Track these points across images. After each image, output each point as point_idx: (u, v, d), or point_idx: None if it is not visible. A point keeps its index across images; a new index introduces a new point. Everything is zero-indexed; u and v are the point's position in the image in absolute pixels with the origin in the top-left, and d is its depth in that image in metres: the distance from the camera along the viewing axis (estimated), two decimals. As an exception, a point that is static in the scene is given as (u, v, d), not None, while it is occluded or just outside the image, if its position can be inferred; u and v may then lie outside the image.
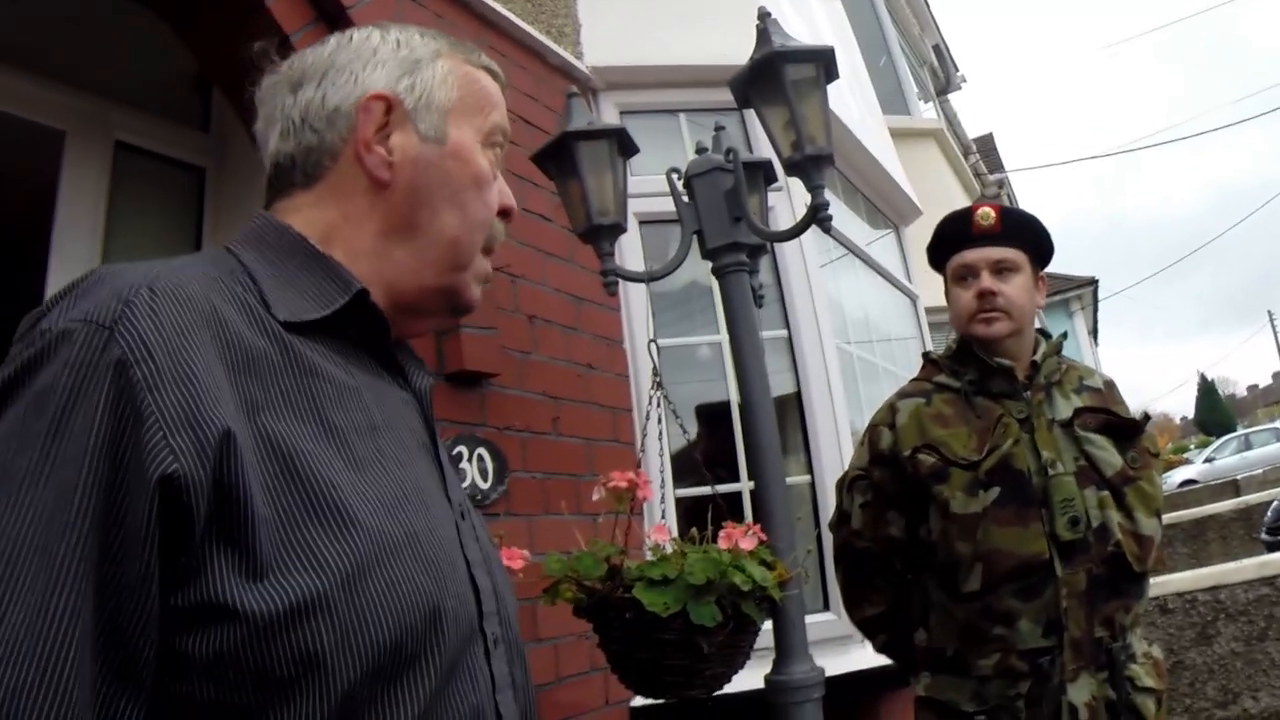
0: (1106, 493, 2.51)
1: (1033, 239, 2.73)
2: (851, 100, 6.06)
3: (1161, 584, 5.84)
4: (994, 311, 2.63)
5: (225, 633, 0.87)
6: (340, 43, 1.27)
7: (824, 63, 2.79)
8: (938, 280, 2.88)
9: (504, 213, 1.29)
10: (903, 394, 2.80)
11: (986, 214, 2.69)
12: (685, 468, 4.30)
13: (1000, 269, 2.66)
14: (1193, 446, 45.58)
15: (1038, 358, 2.67)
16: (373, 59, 1.24)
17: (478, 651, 1.10)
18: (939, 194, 9.52)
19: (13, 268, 4.93)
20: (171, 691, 0.88)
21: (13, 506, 0.83)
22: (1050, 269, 2.92)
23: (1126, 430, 2.63)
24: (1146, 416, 2.73)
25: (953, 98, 16.84)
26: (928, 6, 14.05)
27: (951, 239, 2.75)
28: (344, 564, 0.93)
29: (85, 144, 3.66)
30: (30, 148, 3.68)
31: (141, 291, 0.92)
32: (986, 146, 20.93)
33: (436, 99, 1.24)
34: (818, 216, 2.76)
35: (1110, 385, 2.76)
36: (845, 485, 2.84)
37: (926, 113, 12.68)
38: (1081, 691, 2.41)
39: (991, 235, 2.68)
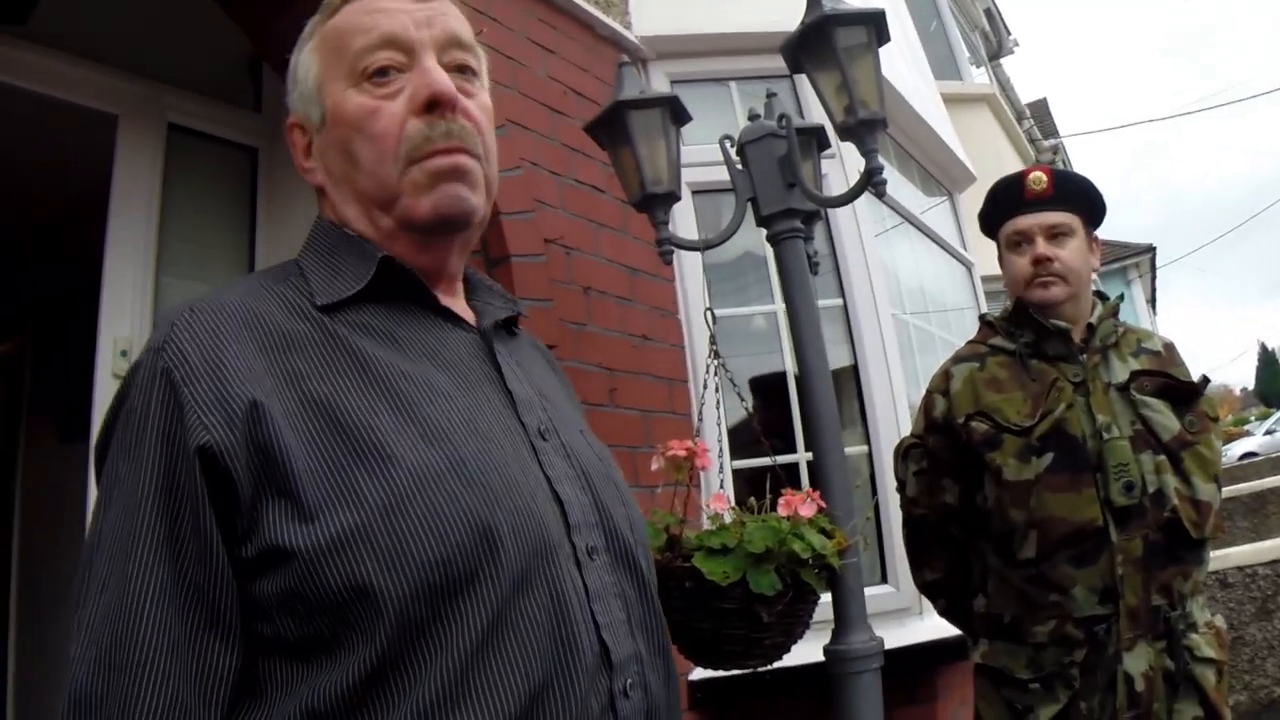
0: (1163, 457, 2.49)
1: (1085, 202, 2.71)
2: (904, 66, 5.99)
3: (1221, 558, 5.77)
4: (1050, 276, 2.62)
5: (286, 572, 1.02)
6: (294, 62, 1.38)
7: (875, 25, 2.75)
8: (992, 247, 2.86)
9: (431, 104, 1.25)
10: (958, 358, 2.79)
11: (1039, 178, 2.66)
12: (742, 439, 4.29)
13: (1055, 234, 2.65)
14: (1253, 418, 44.92)
15: (1094, 320, 2.65)
16: (292, 84, 1.37)
17: (560, 562, 1.15)
18: (992, 160, 9.41)
19: (71, 251, 4.99)
20: (264, 634, 1.04)
21: (111, 504, 1.07)
22: (1107, 236, 2.90)
23: (1185, 393, 2.60)
24: (1206, 379, 2.69)
25: (1005, 62, 16.63)
26: (979, -31, 13.89)
27: (1004, 204, 2.73)
28: (382, 496, 1.05)
29: (139, 127, 3.71)
30: (85, 132, 3.73)
31: (183, 314, 1.12)
32: (1040, 111, 20.67)
33: (309, 87, 1.32)
34: (872, 181, 2.73)
35: (1170, 348, 2.73)
36: (901, 454, 2.84)
37: (979, 78, 12.52)
38: (1138, 661, 2.38)
39: (1045, 200, 2.66)
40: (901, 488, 2.85)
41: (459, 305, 1.36)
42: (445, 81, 1.25)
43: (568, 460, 1.26)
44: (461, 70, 1.32)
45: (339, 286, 1.23)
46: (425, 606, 1.02)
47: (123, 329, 3.52)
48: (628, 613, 1.21)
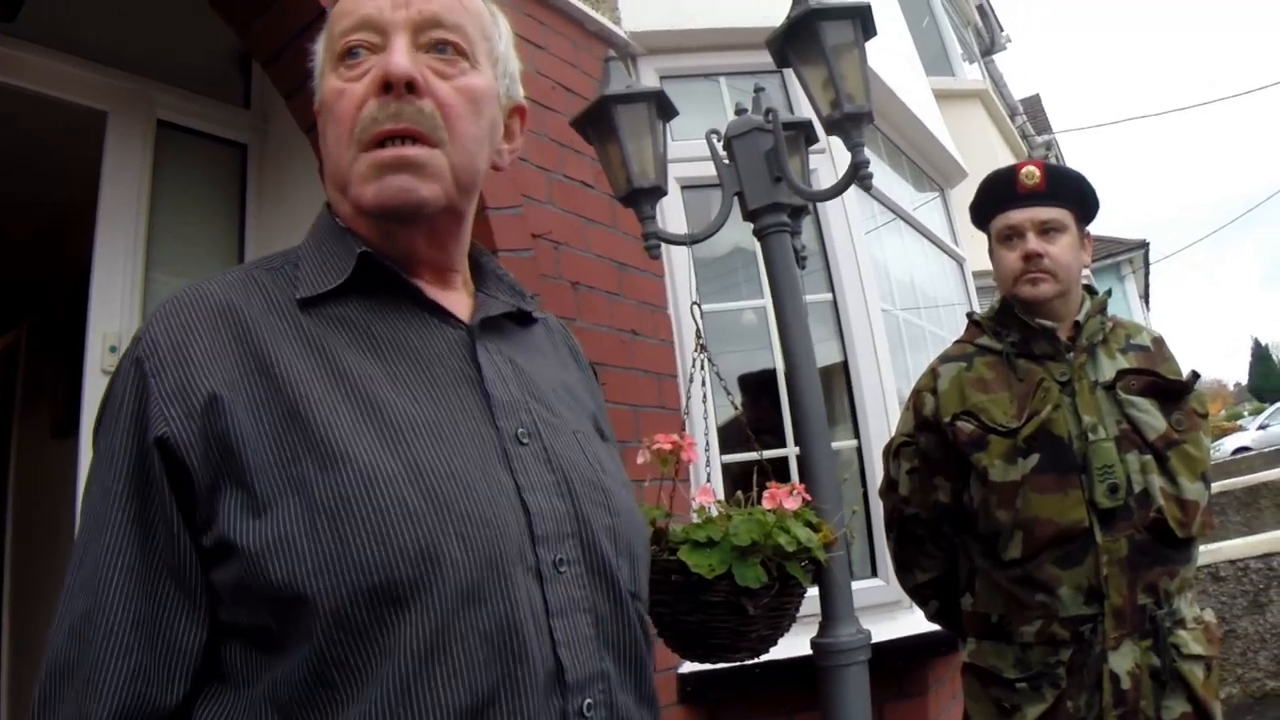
0: (1149, 457, 2.48)
1: (1078, 197, 2.70)
2: (894, 62, 5.99)
3: (1214, 551, 5.79)
4: (1040, 273, 2.61)
5: (235, 563, 1.04)
6: None
7: (861, 19, 2.76)
8: (984, 243, 2.85)
9: (385, 87, 1.21)
10: (945, 357, 2.79)
11: (1031, 173, 2.65)
12: (732, 434, 4.29)
13: (1046, 229, 2.63)
14: (1246, 413, 45.02)
15: (1080, 318, 2.64)
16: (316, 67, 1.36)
17: (515, 575, 1.11)
18: (985, 156, 9.42)
19: (62, 247, 5.00)
20: (224, 621, 1.08)
21: (92, 485, 1.13)
22: (1101, 231, 2.90)
23: (1173, 391, 2.59)
24: (1195, 375, 2.68)
25: (998, 58, 16.65)
26: (971, -34, 13.88)
27: (996, 198, 2.72)
28: (329, 496, 1.04)
29: (128, 123, 3.72)
30: (74, 128, 3.73)
31: (164, 305, 1.16)
32: (1034, 108, 20.69)
33: (320, 72, 1.33)
34: (859, 174, 2.74)
35: (1159, 342, 2.71)
36: (892, 452, 2.83)
37: (971, 74, 12.52)
38: (1124, 659, 2.39)
39: (1037, 194, 2.64)
40: (892, 487, 2.82)
41: (452, 298, 1.32)
42: (400, 62, 1.21)
43: (547, 466, 1.22)
44: (440, 49, 1.26)
45: (323, 279, 1.22)
46: (365, 610, 1.02)
47: (112, 325, 3.53)
48: (598, 629, 1.18)
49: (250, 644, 1.07)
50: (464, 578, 1.06)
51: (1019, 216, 2.65)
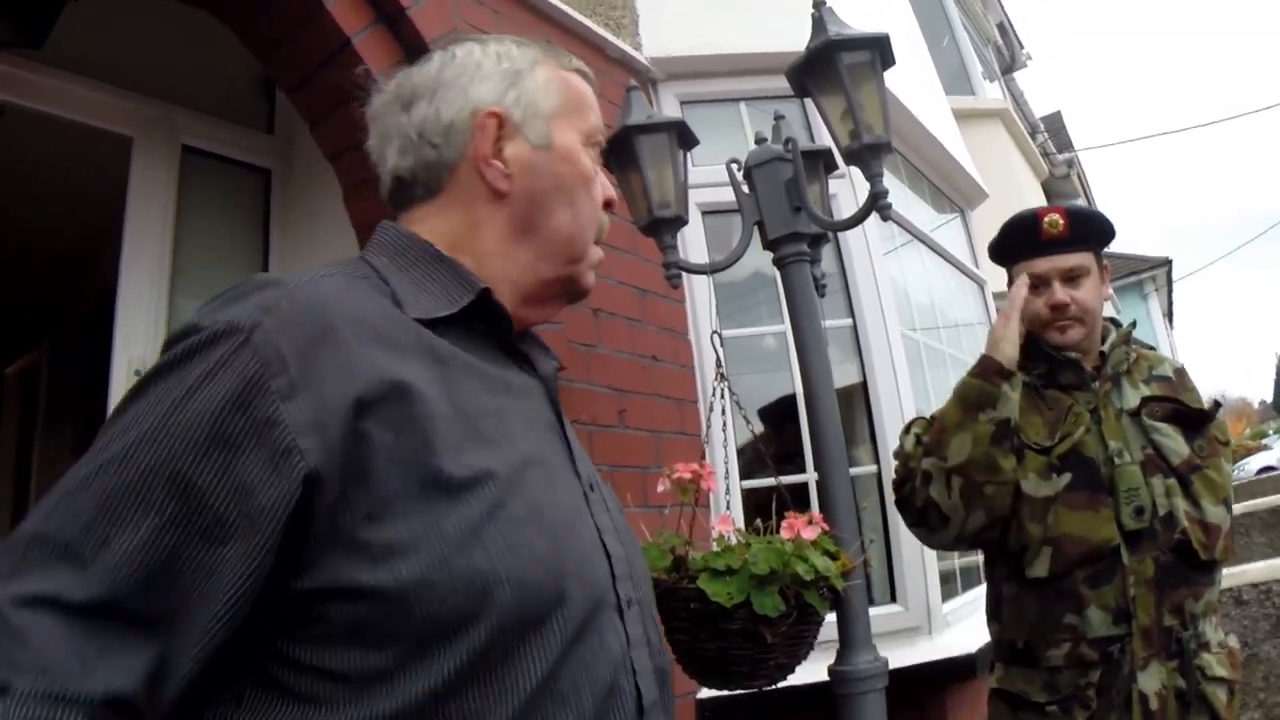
0: (1173, 481, 2.51)
1: (1099, 237, 2.72)
2: (914, 83, 6.00)
3: (1236, 574, 5.74)
4: (1068, 320, 2.63)
5: (359, 604, 0.98)
6: (445, 60, 1.38)
7: (880, 49, 2.77)
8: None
9: (607, 204, 1.41)
10: None
11: (1055, 221, 2.66)
12: (752, 459, 4.30)
13: (1071, 276, 2.65)
14: (1271, 431, 44.70)
15: (1105, 348, 2.67)
16: (478, 73, 1.35)
17: (610, 612, 1.18)
18: (1006, 175, 9.42)
19: (86, 268, 5.05)
20: (296, 658, 0.99)
21: (125, 452, 0.97)
22: (1122, 248, 2.89)
23: (1195, 419, 2.62)
24: (1217, 404, 2.70)
25: (1019, 76, 16.60)
26: (991, -16, 13.87)
27: (1019, 244, 2.73)
28: (463, 532, 1.02)
29: (153, 149, 3.75)
30: (100, 154, 3.77)
31: (282, 302, 1.04)
32: (1055, 125, 20.60)
33: (540, 107, 1.35)
34: (877, 205, 2.75)
35: (1181, 373, 2.74)
36: (904, 429, 2.80)
37: (992, 92, 12.50)
38: (1152, 680, 2.40)
39: (1061, 242, 2.66)
40: (904, 460, 2.73)
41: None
42: (613, 193, 1.43)
43: (608, 513, 1.29)
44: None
45: (429, 303, 1.21)
46: (496, 648, 1.02)
47: (137, 349, 3.56)
48: (651, 660, 1.24)
49: (334, 682, 0.99)
50: (579, 614, 1.10)
51: (1044, 266, 2.67)
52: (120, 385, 3.51)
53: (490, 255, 1.31)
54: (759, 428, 4.51)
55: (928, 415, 2.79)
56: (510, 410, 1.20)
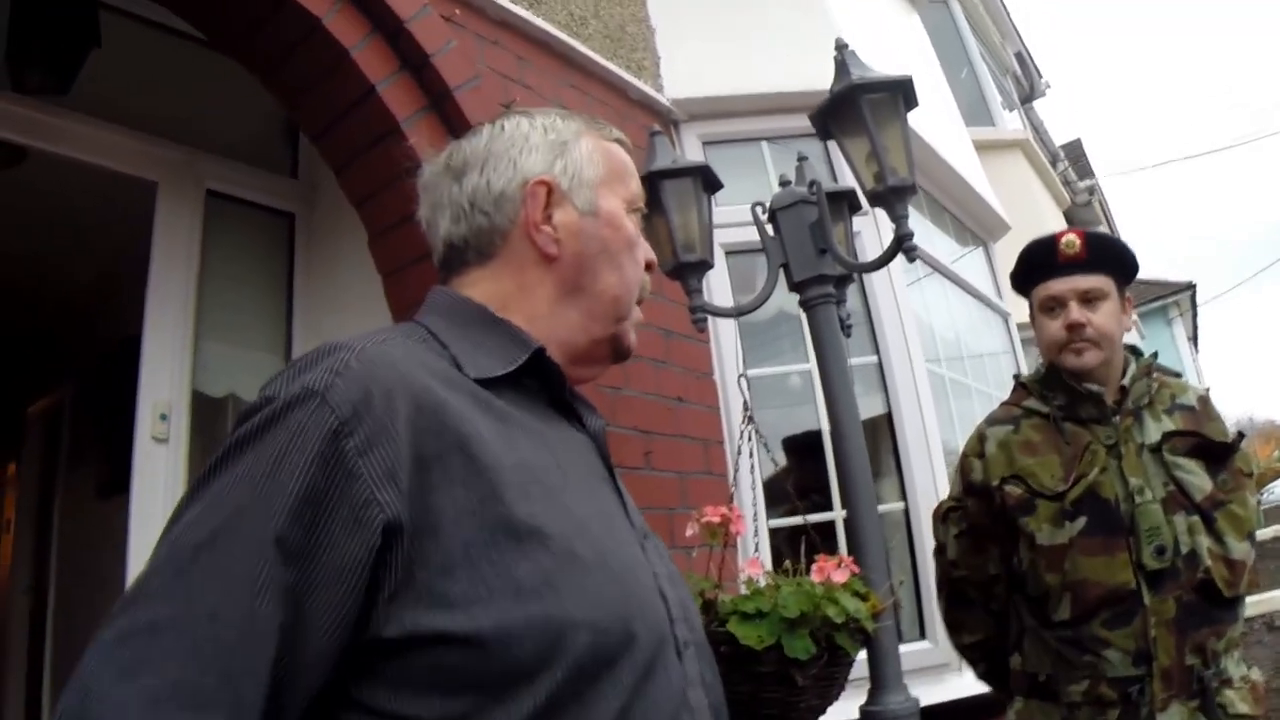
0: (1196, 518, 2.48)
1: (1118, 263, 2.70)
2: (934, 116, 6.01)
3: (1268, 600, 5.69)
4: (1084, 343, 2.61)
5: (438, 651, 1.02)
6: (494, 133, 1.45)
7: (903, 92, 2.79)
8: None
9: (648, 266, 1.47)
10: (992, 420, 2.79)
11: (1071, 242, 2.65)
12: (779, 496, 4.29)
13: (1088, 298, 2.63)
14: (1302, 455, 44.33)
15: (1126, 381, 2.64)
16: (526, 145, 1.43)
17: (669, 653, 1.21)
18: (1027, 205, 9.41)
19: (110, 311, 5.08)
20: (371, 706, 1.02)
21: (225, 533, 0.99)
22: (1147, 274, 2.88)
23: (1219, 451, 2.59)
24: (1240, 435, 2.67)
25: (1038, 105, 16.61)
26: (1007, 13, 13.86)
27: (1037, 268, 2.72)
28: (536, 579, 1.06)
29: (177, 193, 3.79)
30: (124, 197, 3.81)
31: (351, 362, 1.09)
32: (1075, 153, 20.56)
33: (586, 175, 1.42)
34: (903, 247, 2.76)
35: (1205, 401, 2.70)
36: (940, 516, 2.83)
37: (1011, 123, 12.50)
38: None
39: (1077, 263, 2.64)
40: (941, 551, 2.83)
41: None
42: (653, 255, 1.50)
43: (661, 559, 1.33)
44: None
45: (485, 363, 1.26)
46: (571, 689, 1.05)
47: (161, 393, 3.58)
48: (708, 697, 1.27)
49: None
50: (646, 655, 1.14)
51: (1060, 287, 2.65)
52: (145, 428, 3.54)
53: (540, 316, 1.37)
54: (786, 464, 4.51)
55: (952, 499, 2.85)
56: (568, 464, 1.25)
